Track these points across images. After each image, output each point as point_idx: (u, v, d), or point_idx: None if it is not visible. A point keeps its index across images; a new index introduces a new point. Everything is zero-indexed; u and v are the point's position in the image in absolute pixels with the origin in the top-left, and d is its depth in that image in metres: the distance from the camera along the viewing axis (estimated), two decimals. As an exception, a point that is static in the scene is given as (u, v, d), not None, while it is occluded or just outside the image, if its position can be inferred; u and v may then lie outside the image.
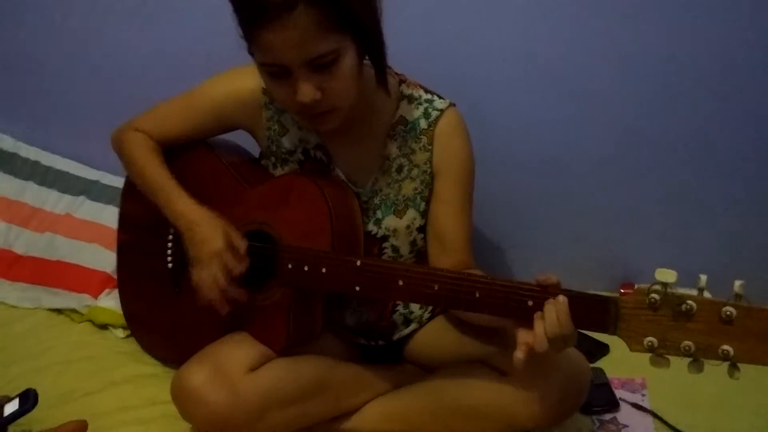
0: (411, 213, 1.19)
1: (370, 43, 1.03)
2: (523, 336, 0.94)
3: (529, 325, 0.94)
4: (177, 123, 1.24)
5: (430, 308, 1.29)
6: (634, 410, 1.21)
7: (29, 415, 1.09)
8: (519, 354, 0.93)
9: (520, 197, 1.57)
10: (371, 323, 1.28)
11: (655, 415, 1.20)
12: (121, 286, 1.43)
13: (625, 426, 1.18)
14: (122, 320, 1.45)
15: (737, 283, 0.83)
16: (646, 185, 1.52)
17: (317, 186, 1.14)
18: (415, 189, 1.19)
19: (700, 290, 0.85)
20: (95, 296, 1.52)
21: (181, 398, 1.10)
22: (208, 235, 1.12)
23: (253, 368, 1.12)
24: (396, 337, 1.29)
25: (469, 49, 1.46)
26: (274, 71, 1.01)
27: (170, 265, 1.29)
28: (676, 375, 1.18)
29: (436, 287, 1.01)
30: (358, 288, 1.07)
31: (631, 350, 0.89)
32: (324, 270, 1.09)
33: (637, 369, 1.29)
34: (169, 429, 1.21)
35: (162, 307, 1.32)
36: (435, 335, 1.27)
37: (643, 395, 1.24)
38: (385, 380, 1.25)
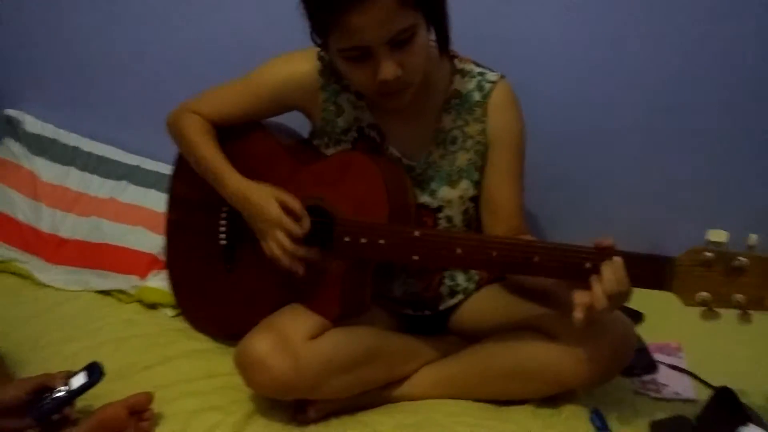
0: (464, 183, 1.25)
1: (439, 17, 1.10)
2: (580, 297, 1.00)
3: (585, 287, 1.00)
4: (235, 105, 1.29)
5: (476, 279, 1.35)
6: (672, 371, 1.27)
7: (92, 390, 1.16)
8: (578, 314, 0.99)
9: (549, 175, 1.61)
10: (418, 294, 1.34)
11: (692, 375, 1.26)
12: (170, 265, 1.48)
13: (665, 385, 1.24)
14: (171, 299, 1.50)
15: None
16: (677, 160, 1.57)
17: (373, 161, 1.20)
18: (469, 160, 1.25)
19: (750, 248, 0.91)
20: (143, 277, 1.56)
21: (246, 366, 1.16)
22: (261, 206, 1.18)
23: (313, 337, 1.18)
24: (442, 307, 1.35)
25: (512, 32, 1.52)
26: (355, 55, 1.06)
27: (223, 242, 1.34)
28: (712, 339, 1.29)
29: (494, 254, 1.07)
30: (416, 257, 1.13)
31: (686, 305, 0.95)
32: (382, 241, 1.15)
33: (672, 334, 1.36)
34: (228, 399, 1.26)
35: (214, 284, 1.38)
36: (481, 305, 1.33)
37: (680, 357, 1.31)
38: (433, 349, 1.31)
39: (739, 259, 0.91)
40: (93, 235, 1.65)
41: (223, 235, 1.35)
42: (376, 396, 1.26)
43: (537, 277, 1.16)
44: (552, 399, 1.19)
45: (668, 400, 1.22)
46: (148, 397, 1.18)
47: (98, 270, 1.61)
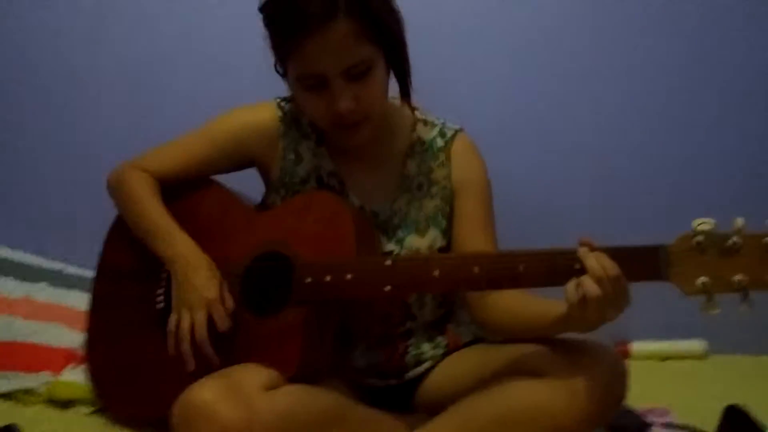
0: (433, 232, 1.21)
1: (398, 58, 1.12)
2: (570, 286, 0.93)
3: None
4: (187, 159, 1.24)
5: (443, 345, 1.25)
6: (666, 429, 1.17)
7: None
8: (570, 285, 0.92)
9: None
10: (381, 364, 1.21)
11: (688, 428, 1.16)
12: (92, 347, 1.30)
13: (661, 444, 1.13)
14: (88, 394, 1.28)
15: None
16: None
17: (337, 197, 1.15)
18: (436, 206, 1.21)
19: (739, 231, 0.89)
20: (57, 372, 1.35)
21: (188, 417, 0.95)
22: (203, 282, 1.10)
23: (270, 388, 1.01)
24: (409, 375, 1.22)
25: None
26: (311, 84, 1.06)
27: (161, 305, 1.20)
28: (698, 398, 1.21)
29: (476, 269, 0.99)
30: (388, 288, 1.04)
31: (686, 294, 0.90)
32: (349, 276, 1.06)
33: (655, 398, 1.27)
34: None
35: (147, 358, 1.20)
36: (453, 369, 1.21)
37: (671, 418, 1.21)
38: (401, 424, 1.14)
39: (732, 239, 0.88)
40: (1, 335, 1.43)
41: (161, 298, 1.21)
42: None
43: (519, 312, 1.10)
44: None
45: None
46: None
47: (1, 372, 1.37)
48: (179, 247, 1.14)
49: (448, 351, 1.25)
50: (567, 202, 1.63)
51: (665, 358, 1.59)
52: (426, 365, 1.23)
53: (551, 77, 1.64)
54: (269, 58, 1.11)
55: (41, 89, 1.70)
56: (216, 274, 1.12)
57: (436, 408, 1.16)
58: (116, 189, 1.25)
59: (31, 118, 1.71)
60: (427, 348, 1.24)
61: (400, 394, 1.23)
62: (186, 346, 1.08)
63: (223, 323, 1.08)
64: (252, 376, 1.01)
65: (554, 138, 1.65)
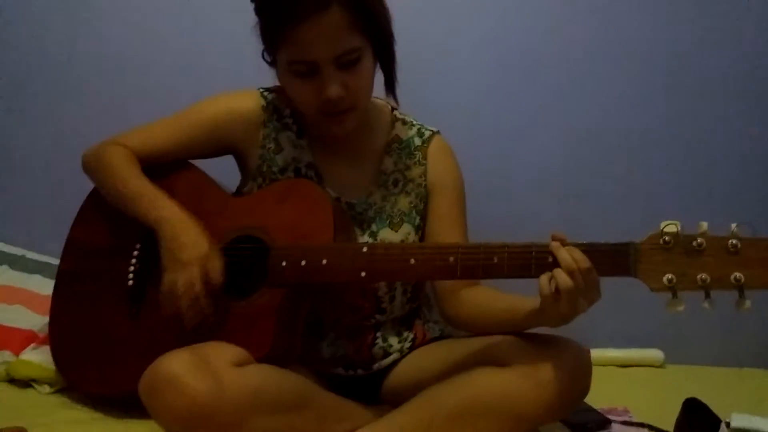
0: (406, 227, 1.23)
1: (386, 51, 1.15)
2: (543, 279, 0.96)
3: None
4: (167, 139, 1.23)
5: (411, 339, 1.26)
6: (625, 426, 1.20)
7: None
8: (543, 277, 0.95)
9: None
10: (349, 355, 1.22)
11: (647, 426, 1.19)
12: (55, 323, 1.26)
13: (624, 440, 1.16)
14: (48, 373, 1.26)
15: (733, 225, 0.93)
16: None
17: (317, 186, 1.17)
18: (410, 203, 1.24)
19: (703, 233, 0.93)
20: (17, 353, 1.32)
21: (156, 387, 0.94)
22: (193, 239, 1.09)
23: (239, 365, 1.01)
24: (376, 366, 1.23)
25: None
26: (302, 70, 1.08)
27: (131, 282, 1.19)
28: (655, 399, 1.24)
29: (452, 259, 1.02)
30: (363, 274, 1.06)
31: (652, 290, 0.93)
32: (325, 261, 1.07)
33: (615, 400, 1.30)
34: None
35: (113, 334, 1.19)
36: (420, 361, 1.23)
37: (630, 417, 1.24)
38: (368, 412, 1.15)
39: (696, 240, 0.92)
40: (-41, 314, 1.40)
41: (131, 275, 1.20)
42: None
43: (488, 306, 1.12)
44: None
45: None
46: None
47: (-45, 349, 1.34)
48: (166, 209, 1.13)
49: (415, 345, 1.26)
50: (538, 209, 1.66)
51: (624, 365, 1.63)
52: (393, 357, 1.24)
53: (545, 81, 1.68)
54: (253, 49, 1.12)
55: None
56: (204, 232, 1.10)
57: (402, 400, 1.17)
58: (94, 162, 1.23)
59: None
60: (394, 341, 1.25)
61: (366, 386, 1.23)
62: (185, 302, 1.05)
63: (218, 276, 1.07)
64: (221, 351, 1.01)
65: (526, 145, 1.68)
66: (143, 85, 1.63)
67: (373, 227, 1.22)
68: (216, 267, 1.08)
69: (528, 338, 1.08)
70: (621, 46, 1.64)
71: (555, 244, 0.96)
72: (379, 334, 1.25)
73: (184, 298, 1.05)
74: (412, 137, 1.26)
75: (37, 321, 1.38)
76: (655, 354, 1.64)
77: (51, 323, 1.26)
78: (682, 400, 1.12)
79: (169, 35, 1.63)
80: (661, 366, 1.63)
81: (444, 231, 1.23)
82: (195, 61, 1.62)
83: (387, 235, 1.22)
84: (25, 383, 1.28)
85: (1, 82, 1.67)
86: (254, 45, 1.13)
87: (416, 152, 1.25)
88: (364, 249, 1.06)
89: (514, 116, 1.66)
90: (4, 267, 1.55)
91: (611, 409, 1.26)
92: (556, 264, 0.95)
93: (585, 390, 1.05)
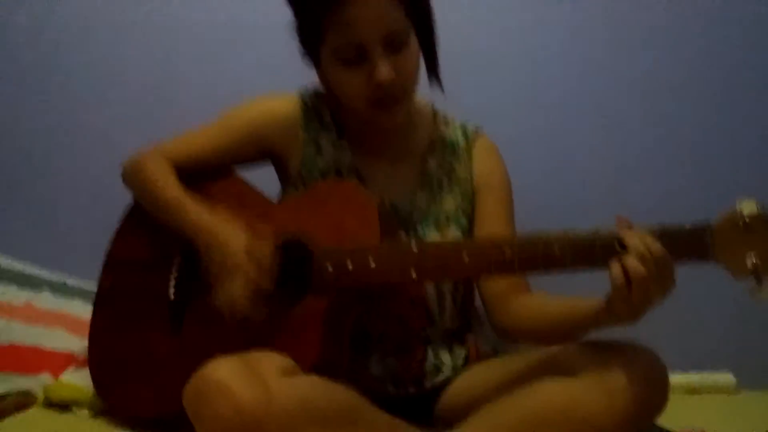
0: (453, 229, 1.17)
1: (428, 35, 1.11)
2: (614, 266, 0.87)
3: None
4: (206, 144, 1.22)
5: (463, 356, 1.19)
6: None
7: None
8: (615, 264, 0.87)
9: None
10: (399, 372, 1.15)
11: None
12: (95, 344, 1.22)
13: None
14: (86, 396, 1.21)
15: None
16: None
17: (362, 187, 1.14)
18: (456, 204, 1.19)
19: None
20: (56, 375, 1.28)
21: (203, 395, 0.88)
22: (233, 248, 1.05)
23: (288, 374, 0.95)
24: (429, 384, 1.15)
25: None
26: (349, 57, 1.05)
27: (173, 296, 1.15)
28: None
29: (509, 252, 0.95)
30: (414, 273, 0.99)
31: (735, 276, 0.85)
32: (373, 264, 1.02)
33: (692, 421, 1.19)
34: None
35: (154, 353, 1.14)
36: (475, 378, 1.14)
37: (708, 435, 1.13)
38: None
39: (778, 219, 0.84)
40: (0, 338, 1.37)
41: (172, 288, 1.15)
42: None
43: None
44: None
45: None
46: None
47: (-1, 373, 1.30)
48: (206, 215, 1.10)
49: (469, 362, 1.19)
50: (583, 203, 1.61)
51: (691, 392, 1.51)
52: (446, 374, 1.16)
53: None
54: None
55: (40, 93, 1.70)
56: (244, 235, 1.06)
57: (457, 421, 1.08)
58: (133, 173, 1.21)
59: (36, 127, 1.71)
60: (446, 358, 1.18)
61: (418, 406, 1.15)
62: (246, 305, 1.02)
63: (262, 281, 1.02)
64: (270, 359, 0.95)
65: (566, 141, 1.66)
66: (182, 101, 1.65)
67: (419, 230, 1.17)
68: (256, 272, 1.03)
69: (593, 345, 0.99)
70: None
71: (623, 229, 0.89)
72: (429, 349, 1.17)
73: (244, 303, 1.01)
74: (456, 136, 1.22)
75: (76, 343, 1.34)
76: (725, 378, 1.51)
77: (90, 343, 1.22)
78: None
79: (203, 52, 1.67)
80: (734, 392, 1.50)
81: (492, 232, 1.18)
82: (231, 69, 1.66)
83: (434, 237, 1.16)
84: (64, 407, 1.22)
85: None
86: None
87: (461, 152, 1.21)
88: (414, 247, 1.01)
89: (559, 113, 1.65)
90: (46, 293, 1.52)
91: (686, 430, 1.15)
92: (623, 251, 0.88)
93: (663, 400, 0.95)
